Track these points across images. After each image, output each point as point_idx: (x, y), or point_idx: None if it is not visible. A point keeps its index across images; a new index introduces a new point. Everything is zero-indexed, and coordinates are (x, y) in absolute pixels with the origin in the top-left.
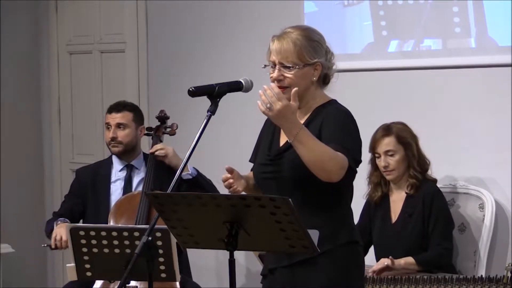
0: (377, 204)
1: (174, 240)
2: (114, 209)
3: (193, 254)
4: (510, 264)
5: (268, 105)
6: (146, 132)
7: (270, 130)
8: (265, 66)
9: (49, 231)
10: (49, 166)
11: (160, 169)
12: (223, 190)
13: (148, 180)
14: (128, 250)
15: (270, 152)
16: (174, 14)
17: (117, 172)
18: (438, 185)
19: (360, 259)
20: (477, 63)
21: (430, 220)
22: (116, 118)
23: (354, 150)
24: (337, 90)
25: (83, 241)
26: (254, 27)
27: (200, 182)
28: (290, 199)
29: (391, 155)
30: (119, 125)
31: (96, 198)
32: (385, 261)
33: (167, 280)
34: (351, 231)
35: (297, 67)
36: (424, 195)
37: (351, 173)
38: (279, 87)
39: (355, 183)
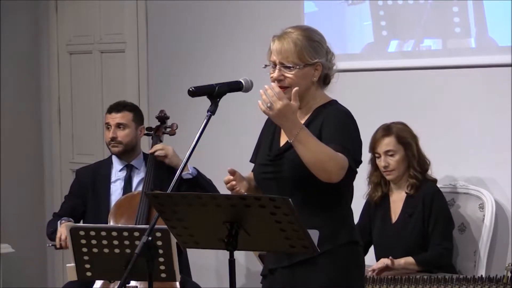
0: (377, 204)
1: (174, 240)
2: (114, 209)
3: (193, 254)
4: (510, 264)
5: (269, 105)
6: (146, 132)
7: (270, 130)
8: (266, 66)
9: (50, 232)
10: (49, 166)
11: (160, 169)
12: (223, 190)
13: (148, 180)
14: (128, 250)
15: (270, 152)
16: (174, 14)
17: (117, 172)
18: (438, 185)
19: (360, 259)
20: (477, 63)
21: (430, 220)
22: (116, 118)
23: (354, 151)
24: (337, 90)
25: (83, 241)
26: (254, 27)
27: (200, 182)
28: (290, 199)
29: (391, 155)
30: (119, 125)
31: (96, 198)
32: (385, 261)
33: (167, 280)
34: (351, 231)
35: (298, 67)
36: (424, 195)
37: (351, 173)
38: (280, 87)
39: (355, 183)
